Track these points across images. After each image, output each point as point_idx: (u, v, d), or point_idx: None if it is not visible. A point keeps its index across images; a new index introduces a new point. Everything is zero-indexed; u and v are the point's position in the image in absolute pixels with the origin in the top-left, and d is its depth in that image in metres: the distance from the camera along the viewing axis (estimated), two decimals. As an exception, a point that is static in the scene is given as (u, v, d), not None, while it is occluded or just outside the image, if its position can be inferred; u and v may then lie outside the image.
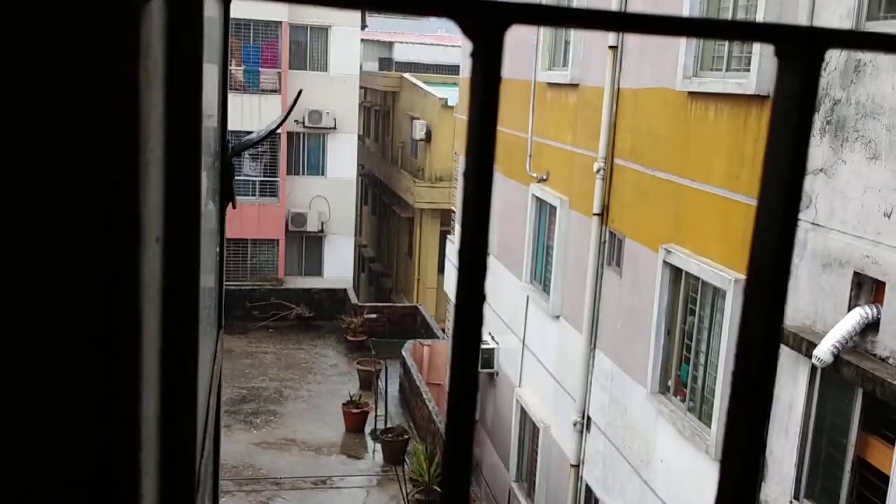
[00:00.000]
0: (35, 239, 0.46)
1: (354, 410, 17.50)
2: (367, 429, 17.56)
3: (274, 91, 25.37)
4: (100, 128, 0.46)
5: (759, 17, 7.30)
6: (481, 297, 0.55)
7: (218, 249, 1.73)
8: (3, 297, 0.47)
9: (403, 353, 19.11)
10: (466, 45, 0.53)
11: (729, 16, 8.05)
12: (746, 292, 0.60)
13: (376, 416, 17.43)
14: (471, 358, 0.53)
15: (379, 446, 16.72)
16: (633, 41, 9.89)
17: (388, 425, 17.15)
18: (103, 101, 0.45)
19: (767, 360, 0.60)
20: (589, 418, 10.92)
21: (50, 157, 0.46)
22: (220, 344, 1.74)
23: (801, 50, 0.57)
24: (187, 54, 0.66)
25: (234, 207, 1.82)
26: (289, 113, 2.71)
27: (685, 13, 8.45)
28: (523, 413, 13.24)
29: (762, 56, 7.28)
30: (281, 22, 25.35)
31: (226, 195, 1.70)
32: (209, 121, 1.48)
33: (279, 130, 25.05)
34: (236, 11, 24.42)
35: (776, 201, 0.60)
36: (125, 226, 0.47)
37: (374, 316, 22.99)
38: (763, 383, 0.59)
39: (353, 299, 24.84)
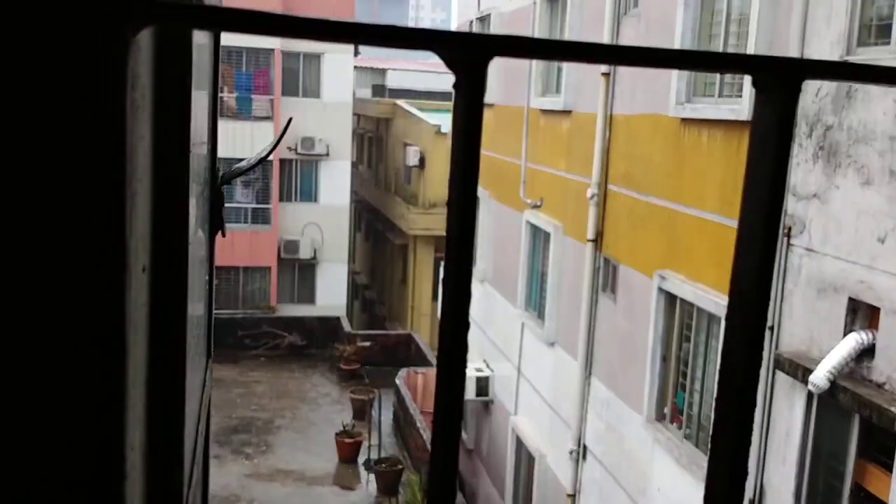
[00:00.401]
0: (18, 268, 0.46)
1: (348, 440, 17.36)
2: (361, 459, 17.41)
3: (266, 118, 25.46)
4: (86, 159, 0.46)
5: (751, 43, 7.38)
6: (465, 325, 0.56)
7: (207, 278, 1.72)
8: None
9: (397, 381, 19.02)
10: (450, 77, 0.54)
11: (720, 42, 8.14)
12: (728, 319, 0.60)
13: (370, 446, 17.29)
14: (457, 385, 0.53)
15: (373, 477, 16.57)
16: (625, 68, 9.98)
17: (382, 455, 17.01)
18: (90, 133, 0.46)
19: (749, 382, 0.60)
20: (585, 446, 10.86)
21: (35, 186, 0.47)
22: (210, 373, 1.73)
23: (779, 80, 0.58)
24: (176, 85, 0.66)
25: (223, 236, 1.82)
26: (279, 141, 2.72)
27: (677, 39, 8.54)
28: (519, 442, 13.16)
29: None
30: (273, 49, 25.50)
31: (215, 224, 1.70)
32: (199, 148, 1.49)
33: (271, 157, 25.11)
34: (228, 39, 24.58)
35: (756, 225, 0.61)
36: (110, 256, 0.47)
37: (367, 344, 22.90)
38: (746, 403, 0.59)
39: (347, 327, 24.74)
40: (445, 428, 0.50)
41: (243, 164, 2.21)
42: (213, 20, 0.46)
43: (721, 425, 0.59)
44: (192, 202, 1.43)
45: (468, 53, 0.56)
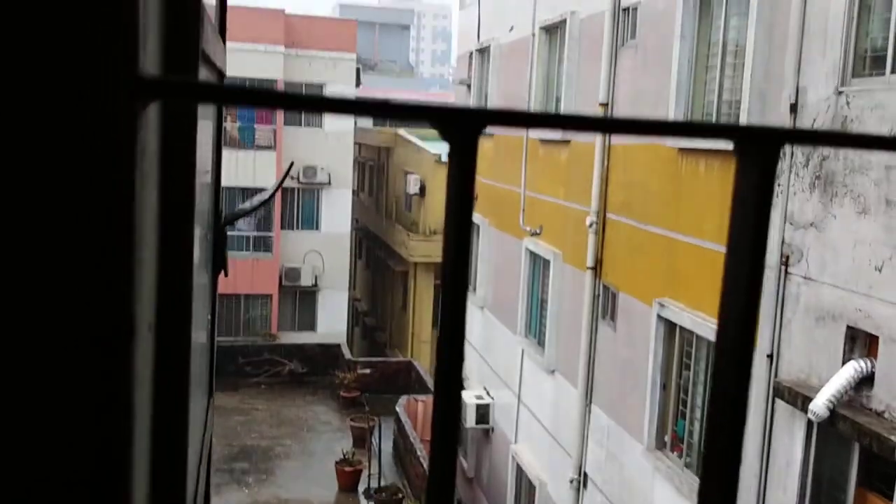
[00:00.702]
0: (24, 332, 0.48)
1: (348, 468, 17.26)
2: (361, 487, 17.29)
3: (269, 147, 25.60)
4: (96, 233, 0.48)
5: (747, 74, 7.45)
6: (459, 387, 0.58)
7: (209, 317, 1.75)
8: None
9: (397, 409, 18.94)
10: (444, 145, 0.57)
11: (717, 73, 8.21)
12: (714, 379, 0.62)
13: (370, 475, 17.18)
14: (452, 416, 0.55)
15: (373, 505, 16.45)
16: (623, 98, 10.06)
17: (382, 484, 16.90)
18: (100, 203, 0.48)
19: (738, 411, 0.62)
20: (585, 475, 10.80)
21: (46, 256, 0.49)
22: (211, 411, 1.75)
23: (759, 147, 0.61)
24: (182, 151, 0.69)
25: (226, 275, 1.85)
26: (280, 184, 2.76)
27: (674, 69, 8.62)
28: (519, 470, 13.09)
29: (750, 113, 7.41)
30: (276, 80, 25.70)
31: (218, 264, 1.72)
32: (203, 188, 1.51)
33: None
34: (232, 70, 24.80)
35: (739, 286, 0.63)
36: (118, 322, 0.50)
37: (367, 371, 22.84)
38: (736, 426, 0.61)
39: (347, 354, 24.69)
40: (442, 452, 0.52)
41: (246, 205, 2.24)
42: (218, 96, 0.49)
43: (712, 449, 0.61)
44: (196, 244, 1.46)
45: (460, 125, 0.59)
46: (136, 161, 0.50)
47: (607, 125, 0.59)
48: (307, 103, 0.56)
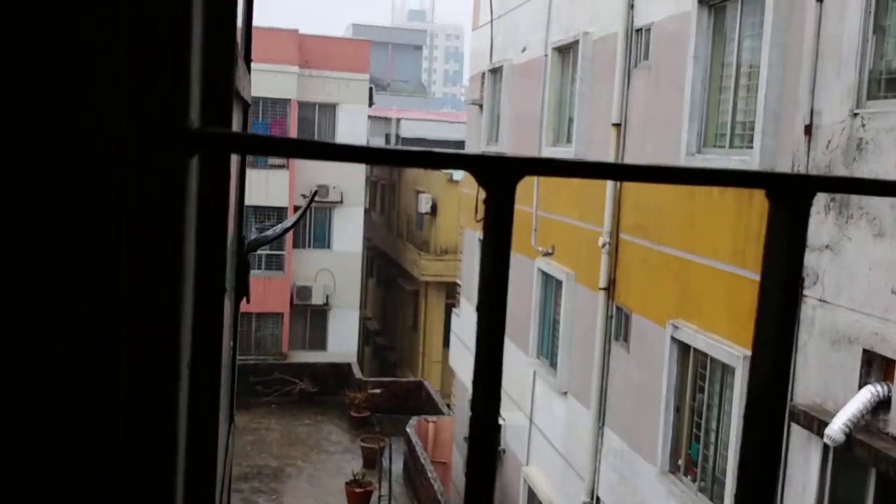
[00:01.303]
0: (77, 365, 0.50)
1: (358, 490, 17.19)
2: (372, 507, 17.22)
3: (282, 166, 25.74)
4: (151, 278, 0.50)
5: (761, 96, 7.45)
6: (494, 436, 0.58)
7: (232, 343, 1.76)
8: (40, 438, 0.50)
9: (408, 429, 18.87)
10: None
11: (731, 94, 8.22)
12: (746, 416, 0.62)
13: (380, 496, 17.11)
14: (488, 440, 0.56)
15: (384, 525, 16.37)
16: (636, 118, 10.08)
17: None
18: (154, 253, 0.50)
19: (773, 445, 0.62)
20: (598, 498, 10.72)
21: (97, 304, 0.50)
22: (232, 438, 1.76)
23: (791, 194, 0.61)
24: (216, 200, 0.71)
25: (248, 302, 1.86)
26: (304, 212, 2.78)
27: (687, 91, 8.64)
28: (531, 493, 13.00)
29: (764, 134, 7.40)
30: (290, 100, 25.88)
31: (241, 291, 1.74)
32: (229, 219, 1.53)
33: (286, 204, 25.31)
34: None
35: (770, 331, 0.63)
36: (167, 359, 0.51)
37: (378, 391, 22.80)
38: (771, 461, 0.61)
39: (357, 374, 24.67)
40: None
41: (269, 233, 2.25)
42: (256, 147, 0.50)
43: (746, 480, 0.61)
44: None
45: (499, 173, 0.60)
46: (186, 209, 0.51)
47: (640, 173, 0.60)
48: (343, 153, 0.57)
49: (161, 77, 0.49)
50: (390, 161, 0.57)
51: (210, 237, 0.73)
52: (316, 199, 26.43)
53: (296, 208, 26.08)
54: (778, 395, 0.64)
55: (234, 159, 1.43)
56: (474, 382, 0.60)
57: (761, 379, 0.65)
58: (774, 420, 0.63)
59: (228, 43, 0.80)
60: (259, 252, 26.25)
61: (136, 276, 0.49)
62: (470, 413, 0.58)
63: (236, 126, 1.27)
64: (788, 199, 0.62)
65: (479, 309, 0.62)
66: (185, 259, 0.50)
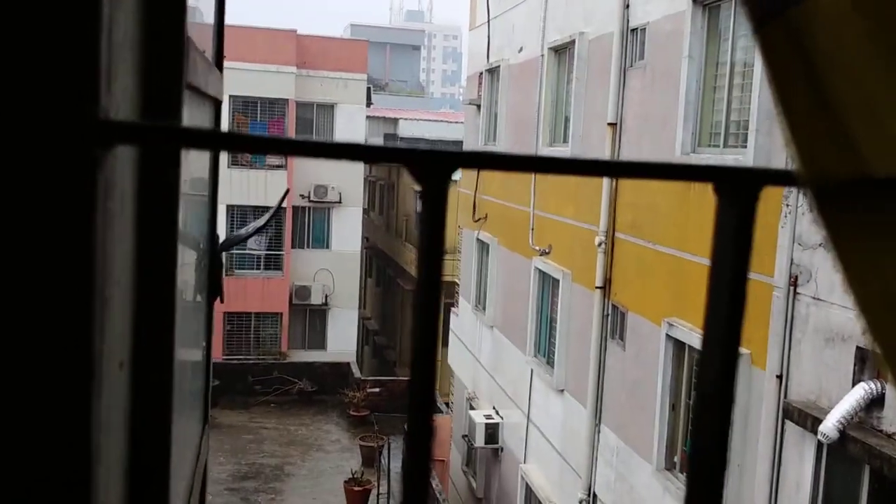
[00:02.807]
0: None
1: (356, 488, 17.19)
2: (370, 507, 17.22)
3: (280, 167, 25.71)
4: (54, 274, 0.48)
5: (755, 95, 7.44)
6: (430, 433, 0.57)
7: (205, 344, 1.74)
8: None
9: (406, 428, 18.84)
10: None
11: (725, 93, 8.20)
12: (694, 423, 0.61)
13: (378, 494, 17.11)
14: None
15: (382, 525, 16.37)
16: (631, 118, 10.07)
17: None
18: (58, 249, 0.48)
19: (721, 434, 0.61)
20: (595, 495, 10.71)
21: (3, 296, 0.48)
22: (206, 440, 1.73)
23: (739, 189, 0.60)
24: (162, 187, 0.69)
25: (221, 302, 1.85)
26: (276, 211, 2.77)
27: (682, 91, 8.62)
28: (528, 490, 12.99)
29: (759, 132, 7.39)
30: (288, 99, 25.86)
31: (214, 290, 1.72)
32: (196, 215, 1.52)
33: (285, 205, 25.29)
34: (243, 90, 24.97)
35: (720, 326, 0.62)
36: (76, 364, 0.49)
37: (377, 390, 22.80)
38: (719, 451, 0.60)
39: (356, 373, 24.66)
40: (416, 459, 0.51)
41: (241, 232, 2.24)
42: (179, 139, 0.49)
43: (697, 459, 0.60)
44: (192, 270, 1.46)
45: (431, 167, 0.58)
46: (98, 202, 0.50)
47: (581, 167, 0.58)
48: (272, 145, 0.55)
49: (64, 65, 0.47)
50: (317, 154, 0.56)
51: (155, 232, 0.71)
52: (315, 199, 26.41)
53: (294, 208, 26.08)
54: (726, 392, 0.62)
55: (197, 156, 1.41)
56: (410, 389, 0.59)
57: (710, 376, 0.63)
58: (723, 416, 0.62)
59: (176, 35, 0.78)
60: (258, 252, 26.24)
61: (38, 271, 0.48)
62: (407, 406, 0.57)
63: (197, 123, 1.26)
64: (735, 193, 0.61)
65: (413, 305, 0.60)
66: (96, 253, 0.49)
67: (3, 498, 0.49)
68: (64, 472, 0.49)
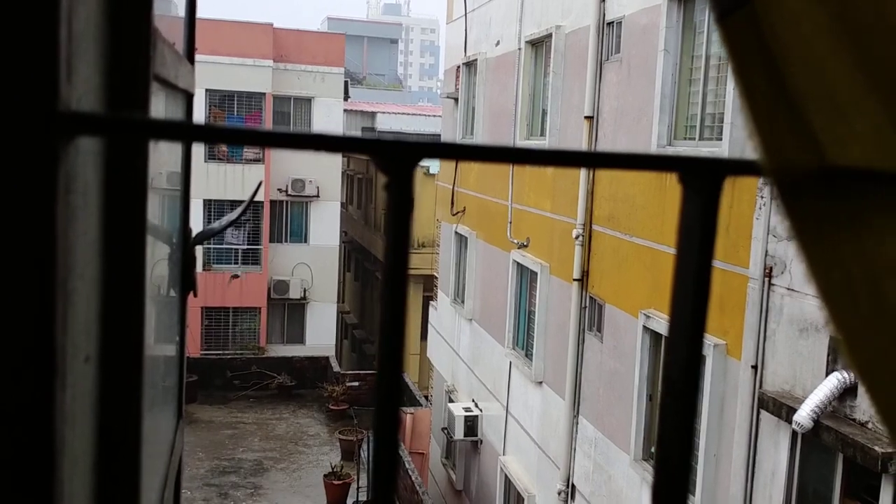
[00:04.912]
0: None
1: (336, 482, 17.18)
2: (350, 501, 17.22)
3: (257, 160, 25.58)
4: (10, 265, 0.47)
5: (730, 90, 7.50)
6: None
7: (178, 338, 1.73)
8: None
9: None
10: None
11: (700, 86, 8.26)
12: (661, 420, 0.62)
13: (358, 488, 17.12)
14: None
15: (362, 518, 16.37)
16: (608, 111, 10.11)
17: (371, 497, 16.80)
18: (16, 243, 0.47)
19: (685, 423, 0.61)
20: (573, 486, 10.78)
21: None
22: (181, 434, 1.73)
23: (702, 179, 0.60)
24: (129, 179, 0.68)
25: (195, 296, 1.84)
26: (248, 205, 2.76)
27: (658, 84, 8.67)
28: (508, 482, 13.05)
29: (734, 125, 7.45)
30: (265, 93, 25.71)
31: (187, 284, 1.71)
32: (168, 208, 1.50)
33: (261, 198, 25.17)
34: (220, 83, 24.80)
35: (684, 316, 0.63)
36: (38, 359, 0.49)
37: (356, 384, 22.77)
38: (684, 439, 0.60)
39: (336, 367, 24.62)
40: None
41: (215, 226, 2.23)
42: (142, 130, 0.48)
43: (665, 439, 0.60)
44: (164, 264, 1.45)
45: (395, 158, 0.58)
46: (58, 195, 0.49)
47: (550, 157, 0.59)
48: (237, 136, 0.55)
49: (21, 55, 0.47)
50: (282, 144, 0.55)
51: (122, 225, 0.71)
52: (293, 193, 26.29)
53: (272, 202, 25.96)
54: (691, 380, 0.63)
55: (169, 149, 1.40)
56: (378, 362, 0.59)
57: (676, 364, 0.64)
58: (688, 405, 0.62)
59: (142, 25, 0.77)
60: (236, 246, 26.09)
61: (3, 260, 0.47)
62: (377, 402, 0.57)
63: (168, 116, 1.25)
64: (700, 182, 0.61)
65: (381, 296, 0.61)
66: (57, 246, 0.48)
67: None
68: (25, 462, 0.49)
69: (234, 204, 24.02)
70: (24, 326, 0.48)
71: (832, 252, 0.56)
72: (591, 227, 10.41)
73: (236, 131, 0.54)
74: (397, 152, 0.57)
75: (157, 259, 1.18)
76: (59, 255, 0.49)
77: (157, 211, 1.19)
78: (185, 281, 1.70)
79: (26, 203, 0.47)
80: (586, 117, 10.31)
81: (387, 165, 0.57)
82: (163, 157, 1.29)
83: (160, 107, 1.09)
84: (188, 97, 1.62)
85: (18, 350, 0.48)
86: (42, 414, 0.48)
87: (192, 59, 1.66)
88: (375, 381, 0.60)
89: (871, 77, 0.48)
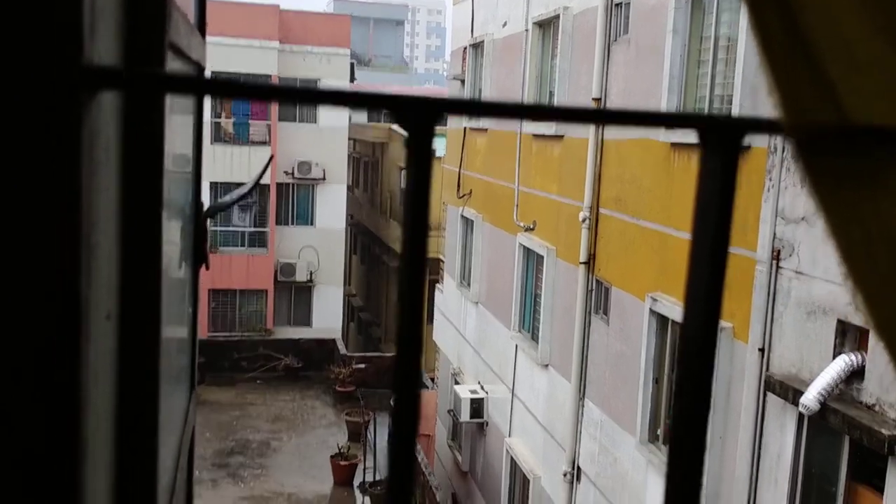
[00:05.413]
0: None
1: (343, 463, 17.29)
2: (356, 481, 17.33)
3: (263, 143, 25.57)
4: (39, 221, 0.48)
5: (738, 69, 7.45)
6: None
7: (191, 310, 1.74)
8: None
9: (392, 403, 18.94)
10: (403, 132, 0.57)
11: (709, 67, 8.21)
12: (678, 372, 0.62)
13: (365, 469, 17.21)
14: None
15: (368, 499, 16.48)
16: (616, 92, 10.06)
17: (378, 478, 16.94)
18: (43, 195, 0.48)
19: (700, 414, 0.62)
20: (579, 468, 10.82)
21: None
22: (194, 404, 1.74)
23: (721, 137, 0.60)
24: (147, 137, 0.69)
25: (207, 269, 1.85)
26: (259, 178, 2.76)
27: (666, 64, 8.62)
28: (513, 463, 13.11)
29: (742, 107, 7.41)
30: (271, 75, 25.65)
31: (199, 257, 1.72)
32: (181, 182, 1.51)
33: (268, 181, 25.17)
34: (226, 65, 24.74)
35: (701, 283, 0.63)
36: (65, 309, 0.49)
37: (362, 366, 22.86)
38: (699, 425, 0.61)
39: (342, 349, 24.71)
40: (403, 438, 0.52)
41: (226, 199, 2.24)
42: (163, 85, 0.48)
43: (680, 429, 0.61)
44: (177, 236, 1.46)
45: (417, 113, 0.59)
46: (83, 150, 0.49)
47: (567, 114, 0.59)
48: (256, 92, 0.55)
49: (49, 14, 0.47)
50: (299, 100, 0.55)
51: (140, 180, 0.71)
52: (299, 175, 26.27)
53: (278, 185, 25.96)
54: (707, 350, 0.63)
55: (188, 119, 1.40)
56: (398, 331, 0.59)
57: (692, 333, 0.64)
58: (704, 374, 0.62)
59: (158, -4, 0.77)
60: (242, 229, 26.13)
61: (25, 215, 0.48)
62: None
63: (188, 69, 1.25)
64: (720, 140, 0.61)
65: (401, 254, 0.61)
66: (82, 199, 0.49)
67: None
68: (53, 414, 0.50)
69: (240, 186, 24.03)
70: (50, 277, 0.48)
71: (851, 210, 0.56)
72: (597, 209, 10.39)
73: (252, 86, 0.54)
74: (418, 108, 0.57)
75: (170, 229, 1.19)
76: (83, 208, 0.49)
77: (168, 185, 1.20)
78: (197, 254, 1.71)
79: (53, 154, 0.48)
80: (594, 99, 10.26)
81: (407, 121, 0.57)
82: (174, 134, 1.29)
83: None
84: (200, 70, 1.62)
85: (46, 301, 0.48)
86: (68, 363, 0.49)
87: (203, 33, 1.66)
88: (395, 353, 0.60)
89: (891, 35, 0.48)
